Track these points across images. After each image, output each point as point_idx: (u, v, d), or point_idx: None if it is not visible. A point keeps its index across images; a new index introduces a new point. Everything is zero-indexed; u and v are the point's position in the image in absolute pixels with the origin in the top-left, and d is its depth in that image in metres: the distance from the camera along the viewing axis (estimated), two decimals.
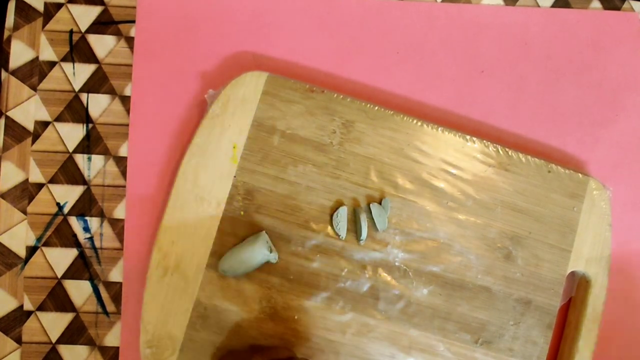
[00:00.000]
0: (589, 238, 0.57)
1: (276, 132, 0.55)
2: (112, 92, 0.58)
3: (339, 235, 0.55)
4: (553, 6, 0.61)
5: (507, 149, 0.56)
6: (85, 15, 0.58)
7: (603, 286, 0.57)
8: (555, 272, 0.56)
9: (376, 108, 0.56)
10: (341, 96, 0.56)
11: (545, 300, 0.56)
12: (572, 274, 0.58)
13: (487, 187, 0.56)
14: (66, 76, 0.58)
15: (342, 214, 0.55)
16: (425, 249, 0.56)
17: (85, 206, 0.58)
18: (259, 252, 0.53)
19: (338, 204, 0.55)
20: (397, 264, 0.55)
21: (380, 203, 0.55)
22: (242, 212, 0.55)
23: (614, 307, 0.60)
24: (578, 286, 0.58)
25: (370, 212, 0.55)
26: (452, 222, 0.56)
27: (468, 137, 0.56)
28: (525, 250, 0.56)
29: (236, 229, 0.55)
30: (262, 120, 0.55)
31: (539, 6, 0.61)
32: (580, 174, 0.57)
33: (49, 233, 0.57)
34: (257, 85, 0.55)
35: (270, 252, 0.53)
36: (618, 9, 0.62)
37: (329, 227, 0.55)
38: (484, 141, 0.56)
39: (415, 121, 0.56)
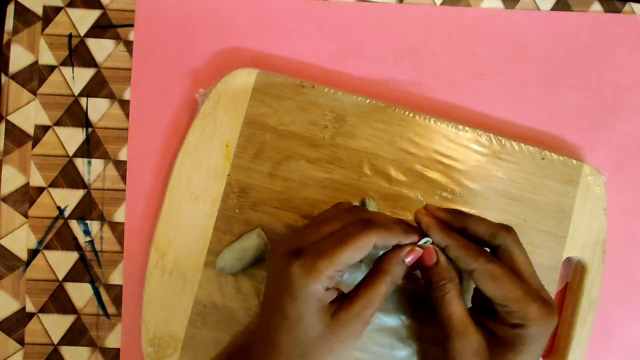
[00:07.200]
0: (584, 223, 0.55)
1: (268, 128, 0.54)
2: (111, 96, 0.58)
3: None
4: (553, 9, 0.60)
5: (499, 138, 0.55)
6: (84, 19, 0.58)
7: (599, 271, 0.55)
8: (551, 258, 0.55)
9: (367, 101, 0.54)
10: (332, 90, 0.54)
11: None
12: (568, 259, 0.56)
13: (481, 176, 0.55)
14: (65, 80, 0.57)
15: None
16: None
17: (86, 210, 0.57)
18: (254, 247, 0.52)
19: (332, 199, 0.54)
20: None
21: (364, 201, 0.54)
22: (237, 210, 0.54)
23: (611, 292, 0.58)
24: (574, 272, 0.57)
25: (364, 207, 0.54)
26: None
27: (460, 126, 0.55)
28: (520, 237, 0.53)
29: (232, 226, 0.54)
30: (253, 118, 0.54)
31: (538, 9, 0.60)
32: (574, 160, 0.55)
33: (49, 236, 0.57)
34: (247, 83, 0.54)
35: (266, 247, 0.52)
36: (619, 11, 0.60)
37: None
38: (477, 130, 0.55)
39: (407, 112, 0.55)
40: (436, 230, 0.45)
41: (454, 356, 0.45)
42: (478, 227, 0.46)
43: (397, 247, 0.45)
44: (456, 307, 0.45)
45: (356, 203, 0.53)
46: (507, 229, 0.46)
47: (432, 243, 0.45)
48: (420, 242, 0.45)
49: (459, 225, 0.46)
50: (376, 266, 0.45)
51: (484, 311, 0.46)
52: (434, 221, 0.46)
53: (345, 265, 0.41)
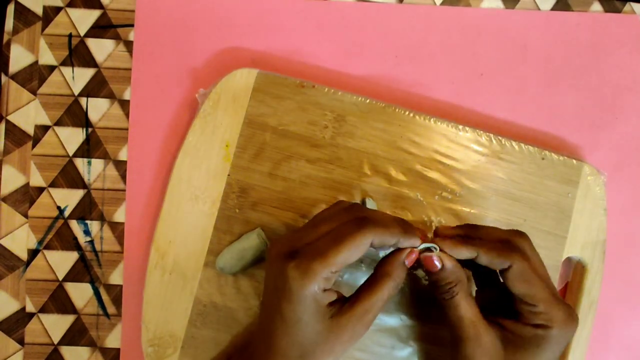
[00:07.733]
0: (584, 223, 0.55)
1: (268, 128, 0.54)
2: (111, 96, 0.57)
3: None
4: (553, 9, 0.60)
5: (499, 138, 0.55)
6: (84, 19, 0.58)
7: (599, 271, 0.55)
8: (551, 258, 0.54)
9: (367, 101, 0.54)
10: (332, 90, 0.54)
11: None
12: (568, 259, 0.56)
13: (481, 177, 0.55)
14: (65, 80, 0.57)
15: None
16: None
17: (86, 210, 0.57)
18: (254, 247, 0.52)
19: (332, 199, 0.54)
20: None
21: (364, 201, 0.54)
22: (237, 210, 0.54)
23: (611, 292, 0.58)
24: (574, 271, 0.57)
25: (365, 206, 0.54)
26: (447, 212, 0.54)
27: (460, 126, 0.55)
28: None
29: (232, 226, 0.54)
30: (253, 117, 0.54)
31: (538, 9, 0.60)
32: (574, 160, 0.55)
33: (50, 236, 0.57)
34: (248, 83, 0.54)
35: (266, 247, 0.52)
36: (619, 11, 0.60)
37: None
38: (477, 130, 0.55)
39: (407, 112, 0.55)
40: (460, 247, 0.44)
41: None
42: (494, 235, 0.45)
43: (399, 250, 0.44)
44: (465, 309, 0.43)
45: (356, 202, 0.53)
46: (521, 234, 0.45)
47: (436, 249, 0.44)
48: (421, 247, 0.44)
49: (474, 237, 0.45)
50: (379, 269, 0.44)
51: (496, 311, 0.45)
52: (452, 240, 0.44)
53: (341, 265, 0.41)
